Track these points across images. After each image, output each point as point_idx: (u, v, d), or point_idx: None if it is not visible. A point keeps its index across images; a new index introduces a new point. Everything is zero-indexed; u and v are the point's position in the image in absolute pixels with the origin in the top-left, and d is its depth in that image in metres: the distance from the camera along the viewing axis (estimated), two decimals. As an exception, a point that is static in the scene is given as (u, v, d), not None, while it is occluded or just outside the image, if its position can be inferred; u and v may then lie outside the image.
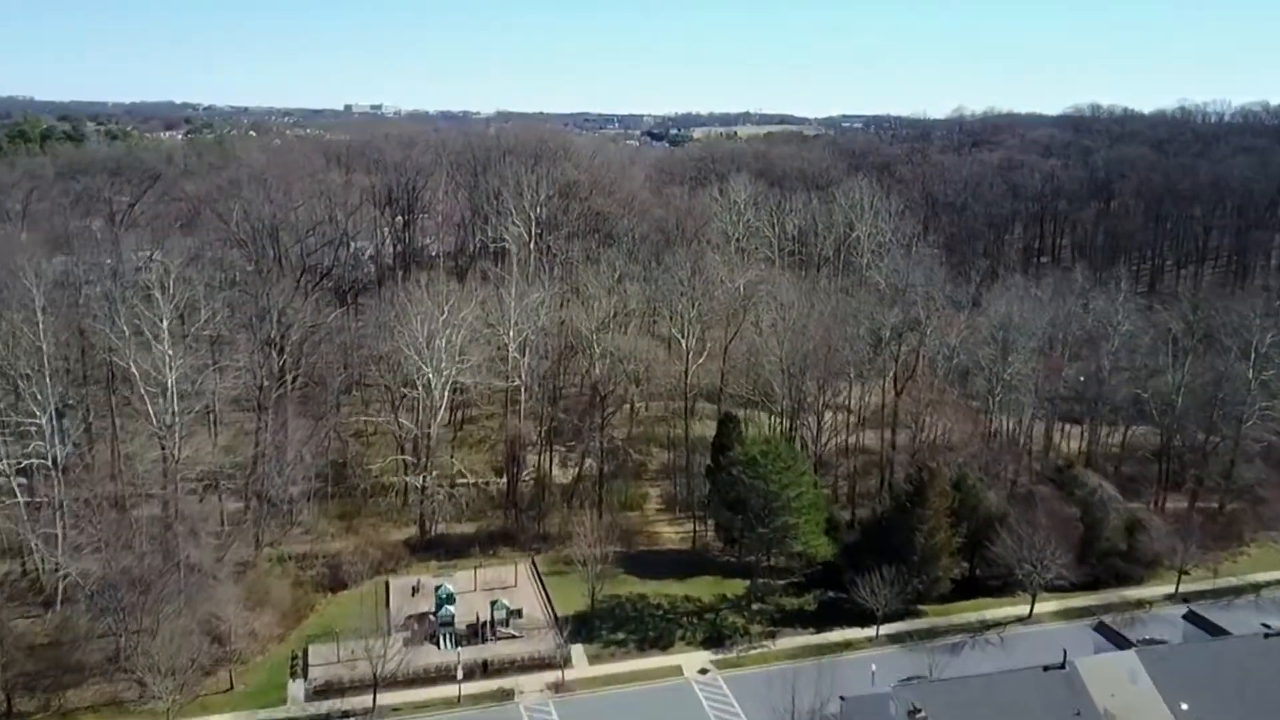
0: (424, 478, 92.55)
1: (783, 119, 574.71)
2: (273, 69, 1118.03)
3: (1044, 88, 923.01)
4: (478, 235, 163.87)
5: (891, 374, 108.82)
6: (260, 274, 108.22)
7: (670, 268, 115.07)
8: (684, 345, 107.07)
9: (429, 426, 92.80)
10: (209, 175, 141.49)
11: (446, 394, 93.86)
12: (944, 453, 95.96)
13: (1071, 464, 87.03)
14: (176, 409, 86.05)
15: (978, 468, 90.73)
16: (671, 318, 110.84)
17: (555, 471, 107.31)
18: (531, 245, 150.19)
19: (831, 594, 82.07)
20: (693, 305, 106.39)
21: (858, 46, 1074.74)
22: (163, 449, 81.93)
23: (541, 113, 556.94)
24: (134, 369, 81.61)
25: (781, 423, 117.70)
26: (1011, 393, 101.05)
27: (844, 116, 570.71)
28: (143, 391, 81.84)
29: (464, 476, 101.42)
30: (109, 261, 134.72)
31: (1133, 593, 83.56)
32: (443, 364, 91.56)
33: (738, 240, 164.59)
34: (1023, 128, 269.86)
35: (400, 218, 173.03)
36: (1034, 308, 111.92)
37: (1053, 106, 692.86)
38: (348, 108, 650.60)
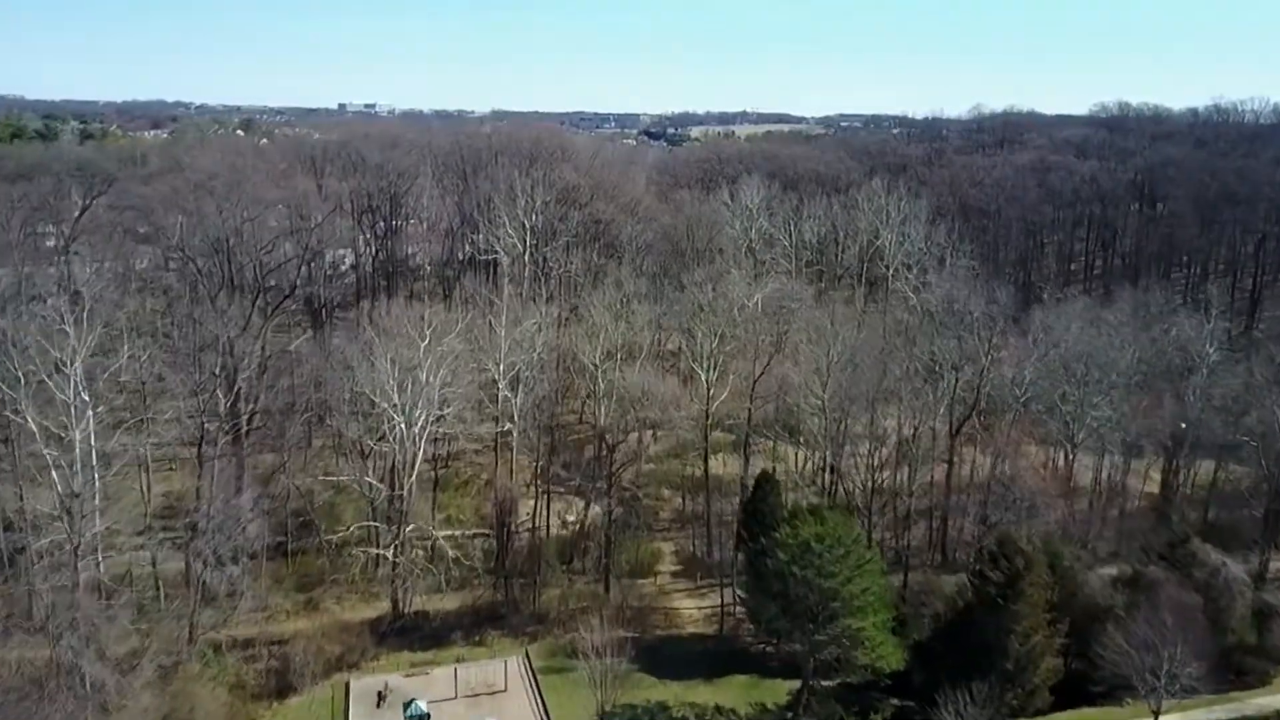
0: (395, 547, 76.76)
1: (780, 118, 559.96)
2: (268, 68, 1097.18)
3: (1064, 85, 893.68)
4: (467, 245, 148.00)
5: (945, 408, 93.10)
6: (209, 298, 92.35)
7: (688, 288, 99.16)
8: (704, 379, 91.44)
9: (402, 485, 76.87)
10: (162, 180, 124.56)
11: (423, 445, 77.99)
12: (1020, 512, 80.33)
13: (1188, 537, 71.45)
14: (94, 469, 70.63)
15: (1063, 532, 75.28)
16: (689, 347, 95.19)
17: (553, 519, 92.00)
18: (526, 257, 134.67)
19: (896, 701, 66.45)
20: (715, 335, 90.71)
21: (858, 43, 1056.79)
22: (68, 525, 65.88)
23: (537, 111, 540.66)
24: (31, 424, 65.80)
25: (813, 460, 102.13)
26: (1094, 437, 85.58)
27: (842, 116, 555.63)
28: (45, 453, 66.16)
29: (446, 530, 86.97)
30: (53, 273, 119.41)
31: (1266, 700, 67.93)
32: (418, 412, 75.78)
33: (750, 247, 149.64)
34: (1050, 127, 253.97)
35: (382, 223, 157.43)
36: (1107, 334, 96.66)
37: (1076, 105, 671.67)
38: (341, 106, 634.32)
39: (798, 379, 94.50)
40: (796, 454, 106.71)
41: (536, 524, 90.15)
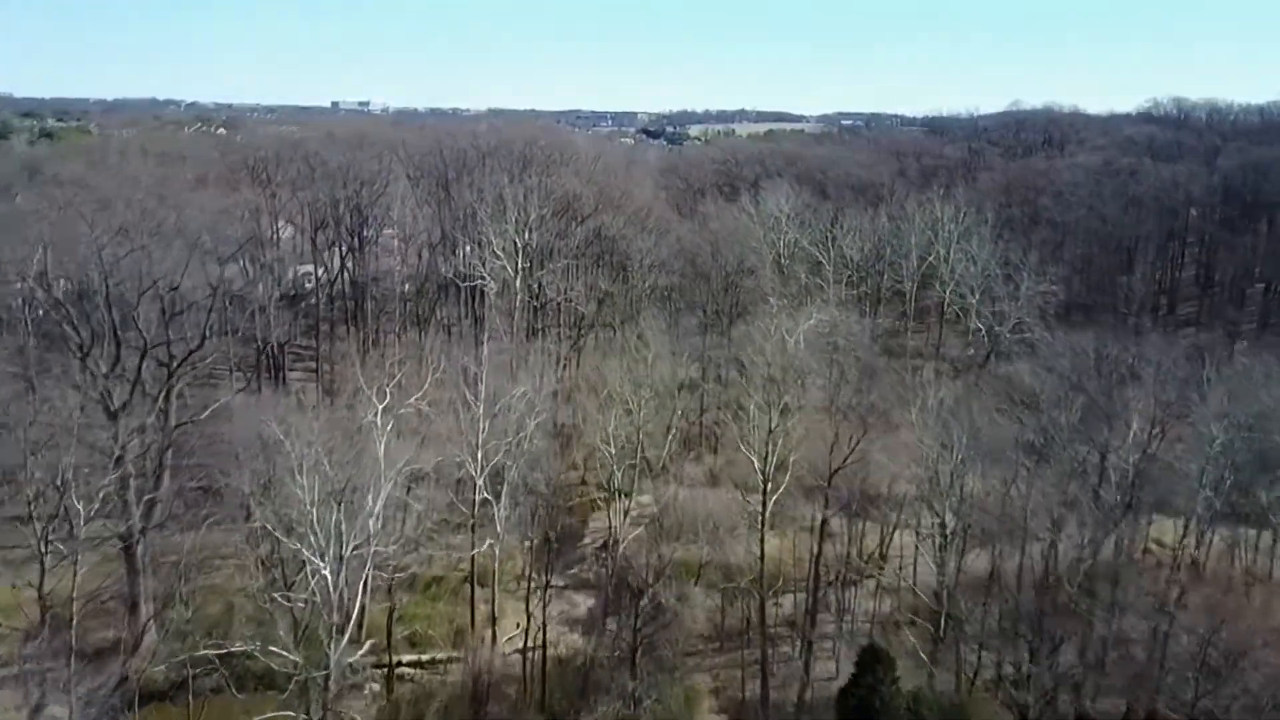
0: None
1: (780, 116, 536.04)
2: (262, 66, 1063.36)
3: (1098, 82, 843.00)
4: (448, 268, 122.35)
5: (1085, 502, 68.11)
6: (78, 359, 67.09)
7: (739, 343, 74.27)
8: (758, 470, 66.26)
9: (329, 659, 51.13)
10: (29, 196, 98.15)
11: (361, 596, 52.60)
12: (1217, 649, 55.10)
13: None
14: None
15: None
16: (738, 425, 70.12)
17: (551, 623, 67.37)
18: (518, 282, 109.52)
19: None
20: (775, 408, 65.64)
21: (859, 39, 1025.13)
22: None
23: (534, 110, 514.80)
24: None
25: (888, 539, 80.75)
26: None
27: (842, 114, 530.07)
28: None
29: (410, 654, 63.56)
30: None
31: None
32: (351, 547, 50.36)
33: (779, 263, 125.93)
34: (1103, 126, 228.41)
35: (348, 235, 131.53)
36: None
37: (1121, 103, 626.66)
38: (335, 105, 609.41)
39: (880, 456, 71.19)
40: (863, 528, 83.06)
41: (529, 645, 65.61)
